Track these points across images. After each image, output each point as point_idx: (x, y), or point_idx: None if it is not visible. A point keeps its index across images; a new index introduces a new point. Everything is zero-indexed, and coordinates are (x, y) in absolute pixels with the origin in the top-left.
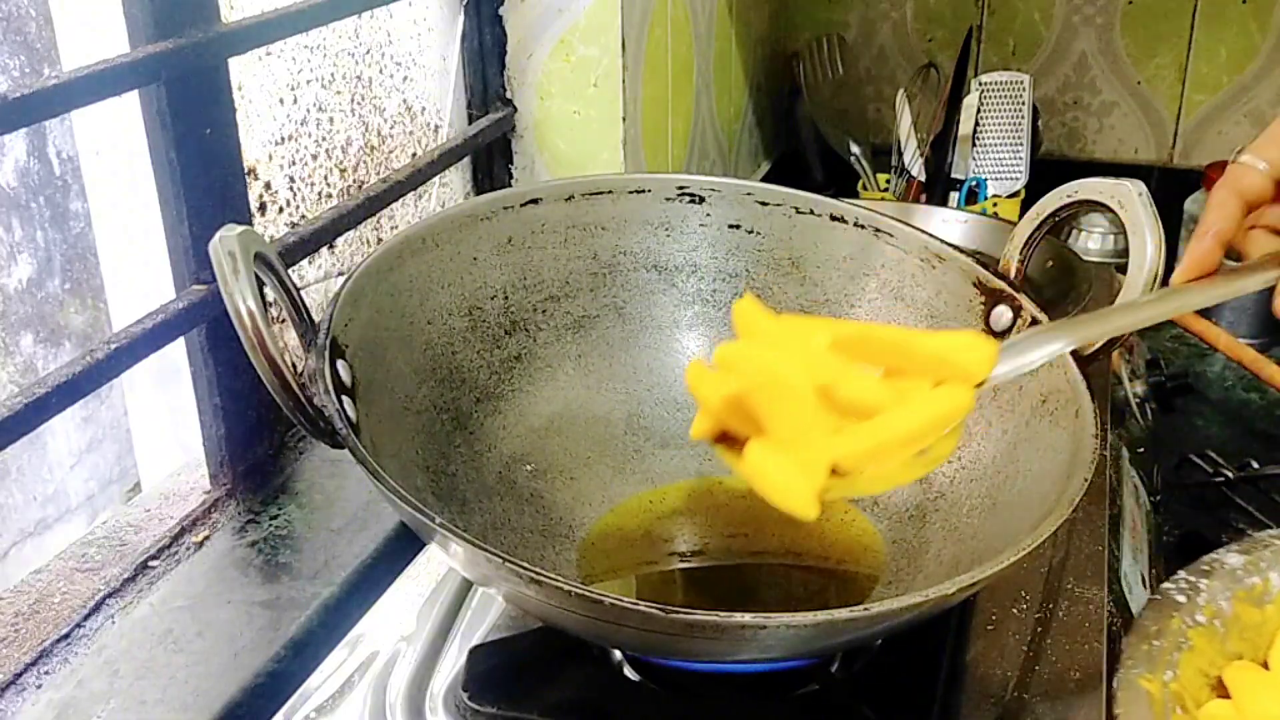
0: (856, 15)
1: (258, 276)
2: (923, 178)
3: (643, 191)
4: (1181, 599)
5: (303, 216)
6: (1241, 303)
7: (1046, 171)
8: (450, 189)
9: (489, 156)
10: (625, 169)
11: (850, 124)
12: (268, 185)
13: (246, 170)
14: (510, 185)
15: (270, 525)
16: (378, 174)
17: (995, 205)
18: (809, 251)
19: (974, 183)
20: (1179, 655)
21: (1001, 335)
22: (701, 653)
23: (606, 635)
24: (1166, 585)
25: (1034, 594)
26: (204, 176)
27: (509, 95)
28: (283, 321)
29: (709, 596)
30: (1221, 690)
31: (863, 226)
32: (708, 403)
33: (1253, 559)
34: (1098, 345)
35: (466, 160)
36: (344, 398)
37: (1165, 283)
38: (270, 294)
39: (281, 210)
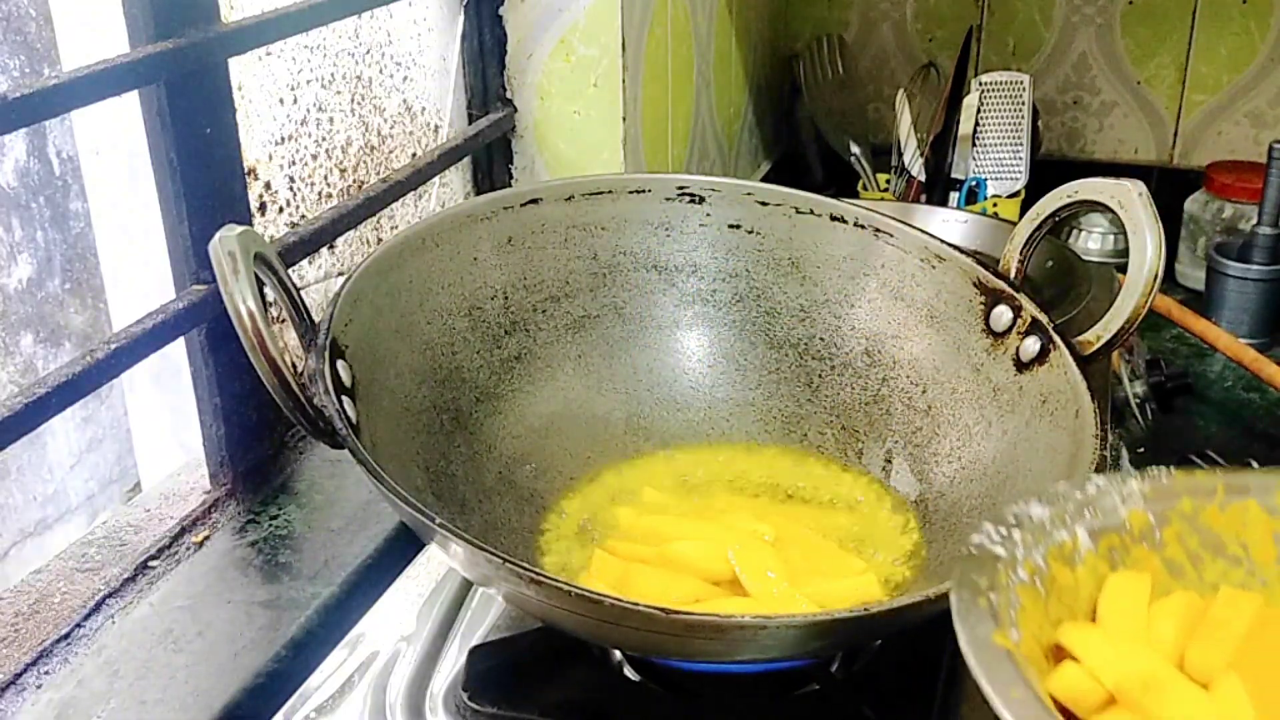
0: (856, 15)
1: (258, 276)
2: (923, 178)
3: (643, 191)
4: (1001, 551)
5: (303, 216)
6: (1242, 303)
7: (1046, 171)
8: (450, 189)
9: (489, 156)
10: (625, 169)
11: (850, 124)
12: (268, 185)
13: (246, 170)
14: (510, 185)
15: (270, 525)
16: (378, 174)
17: (995, 205)
18: (809, 251)
19: (974, 183)
20: (1015, 614)
21: (1001, 335)
22: (701, 653)
23: (606, 635)
24: (977, 539)
25: None
26: (204, 176)
27: (509, 95)
28: (283, 321)
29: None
30: (1055, 658)
31: (863, 226)
32: None
33: (1057, 511)
34: (1098, 346)
35: (466, 160)
36: (344, 398)
37: (1165, 282)
38: (270, 294)
39: (281, 210)
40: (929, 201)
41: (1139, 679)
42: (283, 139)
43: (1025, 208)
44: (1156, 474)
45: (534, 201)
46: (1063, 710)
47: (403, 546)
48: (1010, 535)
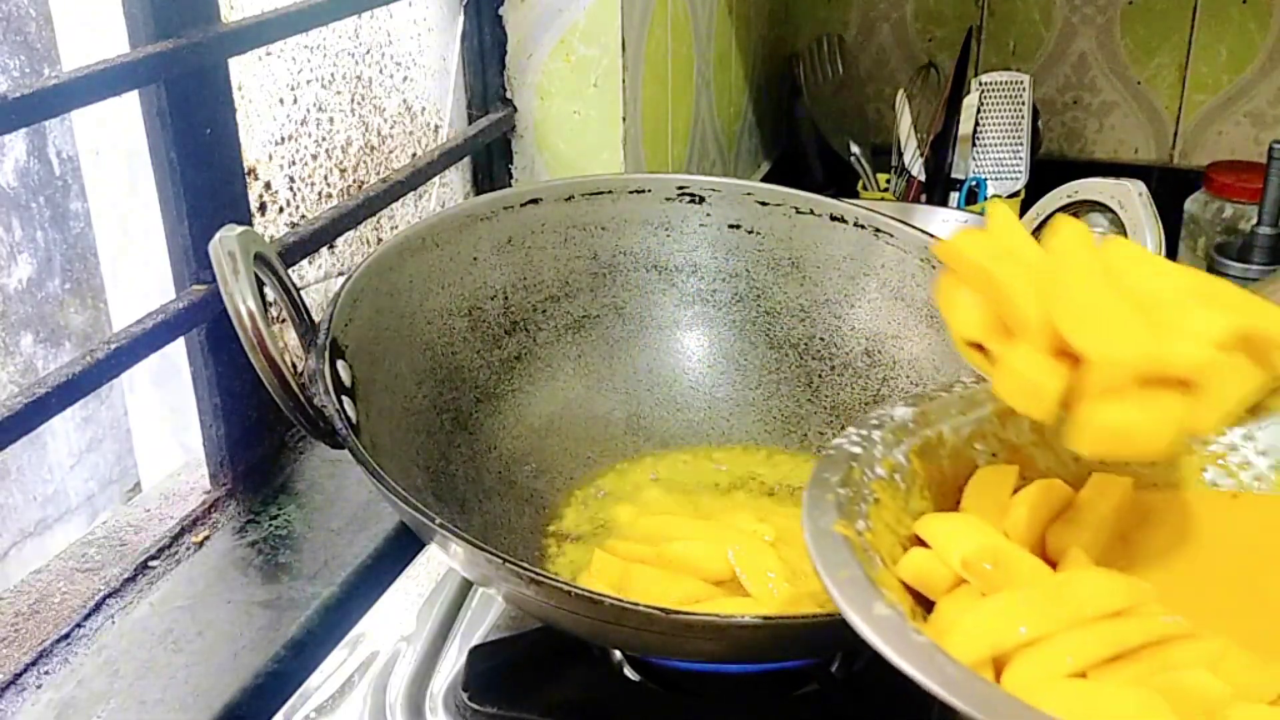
0: (856, 15)
1: (258, 276)
2: (923, 178)
3: (643, 191)
4: (857, 450)
5: (303, 216)
6: None
7: (1046, 171)
8: (450, 189)
9: (489, 156)
10: (625, 169)
11: (850, 124)
12: (268, 185)
13: (246, 170)
14: (510, 185)
15: (270, 525)
16: (378, 174)
17: None
18: (809, 251)
19: (974, 183)
20: (867, 507)
21: None
22: (701, 653)
23: (606, 635)
24: (838, 440)
25: None
26: (204, 176)
27: (509, 95)
28: (283, 321)
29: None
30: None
31: (863, 226)
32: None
33: (921, 411)
34: None
35: (466, 160)
36: (344, 398)
37: None
38: (270, 294)
39: (281, 210)
40: (929, 201)
41: (978, 554)
42: (283, 139)
43: (1025, 208)
44: None
45: (534, 201)
46: (918, 595)
47: (403, 546)
48: (870, 435)
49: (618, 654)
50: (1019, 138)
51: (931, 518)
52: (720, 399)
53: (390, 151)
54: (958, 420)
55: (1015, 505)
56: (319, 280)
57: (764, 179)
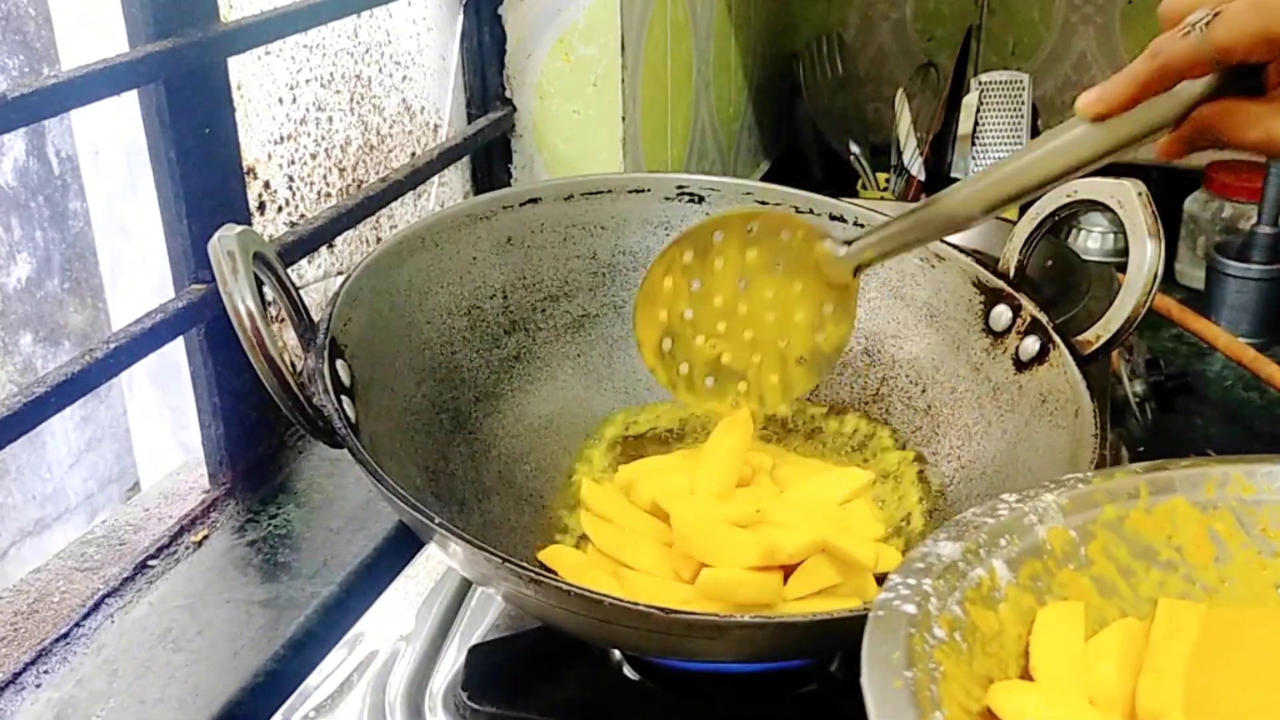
0: (856, 15)
1: (257, 276)
2: (923, 177)
3: (642, 191)
4: (911, 609)
5: (302, 216)
6: (1241, 302)
7: None
8: (450, 189)
9: (489, 156)
10: (625, 169)
11: (850, 124)
12: (267, 185)
13: (246, 170)
14: (510, 185)
15: (269, 525)
16: (377, 173)
17: None
18: None
19: None
20: (938, 690)
21: (1001, 335)
22: (701, 653)
23: (606, 635)
24: (885, 595)
25: None
26: (203, 176)
27: (509, 95)
28: (282, 321)
29: None
30: None
31: (862, 226)
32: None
33: (969, 545)
34: (1097, 345)
35: (466, 160)
36: (343, 398)
37: (1165, 282)
38: (269, 293)
39: (281, 210)
40: None
41: None
42: (282, 138)
43: (1025, 207)
44: (1071, 481)
45: (533, 201)
46: None
47: (402, 546)
48: (920, 584)
49: (618, 654)
50: (1019, 137)
51: (1009, 691)
52: None
53: (389, 151)
54: (1009, 552)
55: (1097, 661)
56: (318, 280)
57: (764, 179)
